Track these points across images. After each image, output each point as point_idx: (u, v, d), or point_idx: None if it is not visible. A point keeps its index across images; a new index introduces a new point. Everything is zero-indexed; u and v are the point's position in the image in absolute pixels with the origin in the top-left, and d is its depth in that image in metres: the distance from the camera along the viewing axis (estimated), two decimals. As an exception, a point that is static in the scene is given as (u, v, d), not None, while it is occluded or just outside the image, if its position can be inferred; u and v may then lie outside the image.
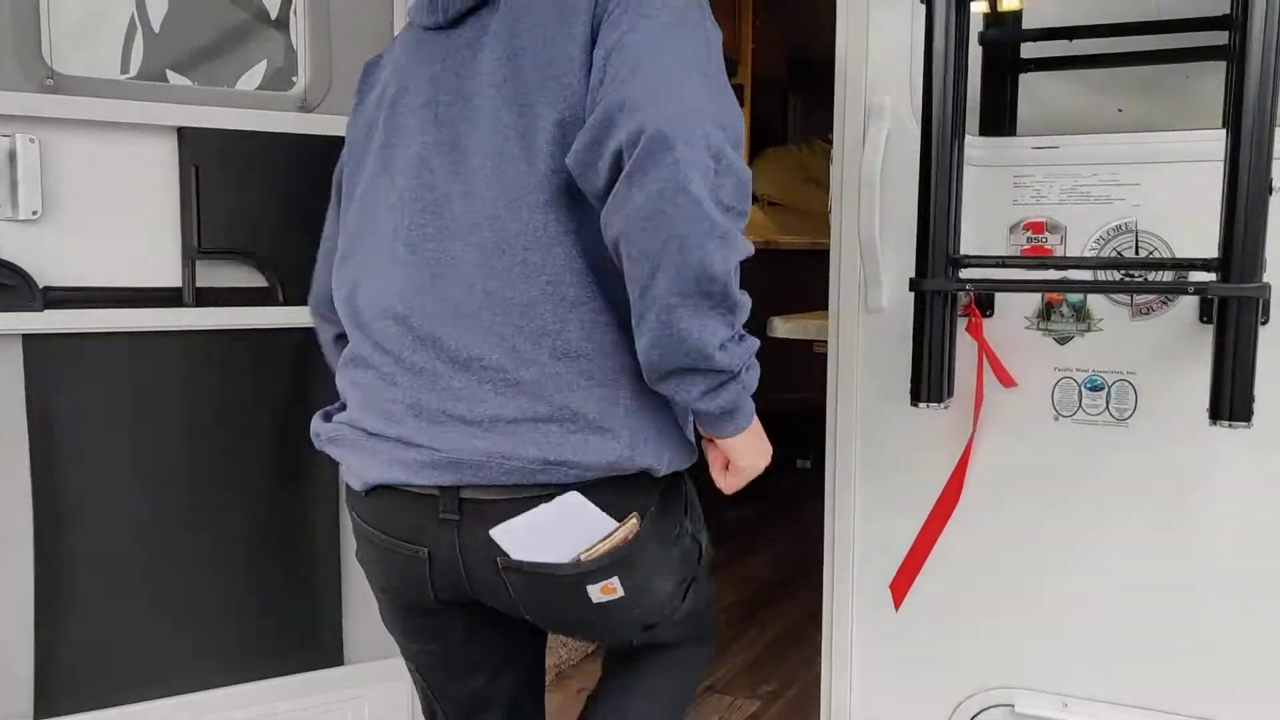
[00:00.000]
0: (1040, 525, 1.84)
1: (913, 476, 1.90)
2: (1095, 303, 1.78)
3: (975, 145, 1.82)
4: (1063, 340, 1.80)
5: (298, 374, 2.11)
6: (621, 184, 1.24)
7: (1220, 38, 1.63)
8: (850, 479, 1.96)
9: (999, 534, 1.87)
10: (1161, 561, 1.77)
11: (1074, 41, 1.83)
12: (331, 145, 1.72)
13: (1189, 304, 1.71)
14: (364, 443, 1.46)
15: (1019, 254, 1.81)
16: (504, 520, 1.37)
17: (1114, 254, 1.75)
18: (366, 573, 1.60)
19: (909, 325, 1.82)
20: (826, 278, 1.99)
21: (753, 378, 1.36)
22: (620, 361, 1.36)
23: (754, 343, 1.34)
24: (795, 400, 4.25)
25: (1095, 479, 1.80)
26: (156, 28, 2.06)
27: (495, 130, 1.38)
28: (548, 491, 1.36)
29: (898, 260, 1.87)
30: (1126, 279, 1.73)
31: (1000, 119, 1.91)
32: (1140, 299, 1.74)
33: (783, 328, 2.36)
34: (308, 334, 1.84)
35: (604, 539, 1.37)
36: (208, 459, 2.07)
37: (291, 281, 2.04)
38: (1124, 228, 1.75)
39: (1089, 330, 1.79)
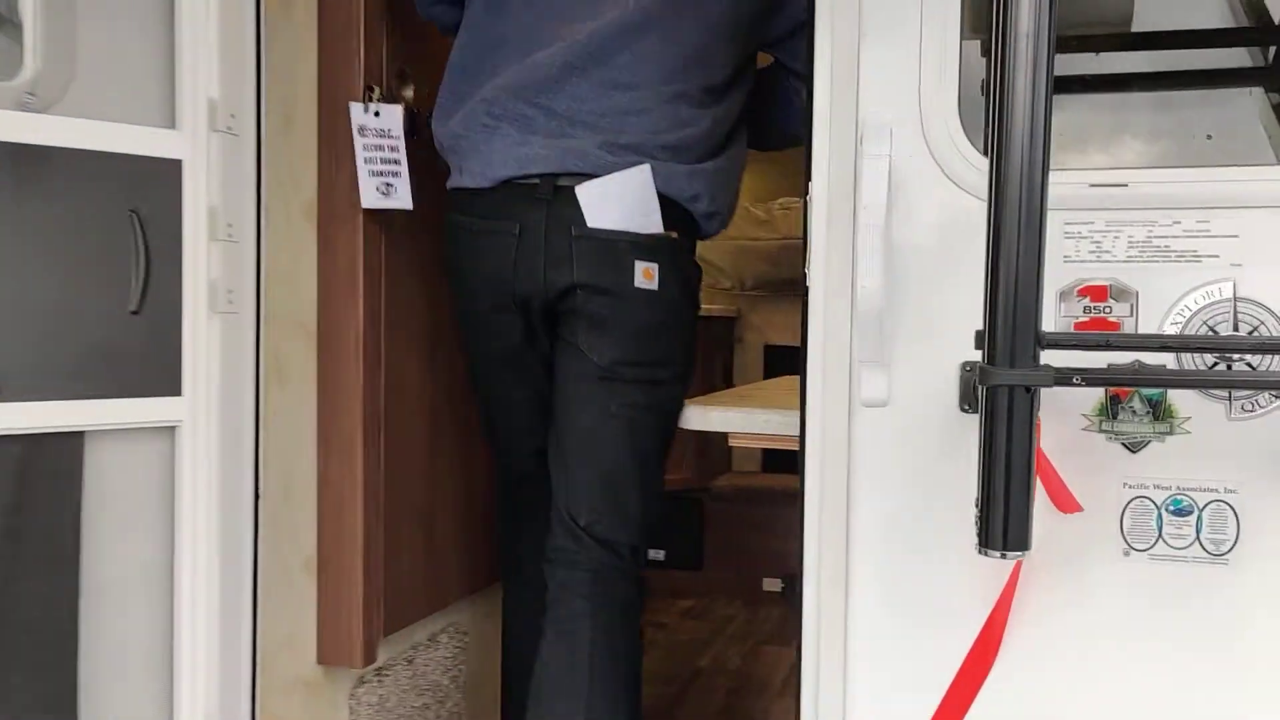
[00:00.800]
0: (1105, 698, 1.35)
1: (932, 637, 1.37)
2: (1179, 396, 1.31)
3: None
4: (1134, 446, 1.32)
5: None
6: None
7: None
8: (838, 641, 1.42)
9: (1047, 710, 1.36)
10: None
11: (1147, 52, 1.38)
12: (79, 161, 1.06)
13: (1302, 397, 1.27)
14: None
15: (1071, 328, 1.33)
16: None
17: (1204, 330, 1.29)
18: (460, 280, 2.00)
19: (926, 425, 1.31)
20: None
21: None
22: None
23: None
24: (676, 480, 3.70)
25: (1182, 637, 1.32)
26: None
27: None
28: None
29: (909, 336, 1.37)
30: (1223, 363, 1.27)
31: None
32: (1242, 392, 1.29)
33: (716, 419, 1.79)
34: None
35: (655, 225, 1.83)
36: None
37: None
38: (1218, 295, 1.29)
39: (1171, 433, 1.32)
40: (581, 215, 1.81)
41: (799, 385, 1.48)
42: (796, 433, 1.49)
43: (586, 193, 1.80)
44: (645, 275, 1.83)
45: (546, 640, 1.87)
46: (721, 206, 1.94)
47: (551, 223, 1.82)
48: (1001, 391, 1.10)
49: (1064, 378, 1.10)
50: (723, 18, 1.87)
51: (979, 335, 1.15)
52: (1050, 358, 1.12)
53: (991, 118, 1.12)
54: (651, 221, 1.82)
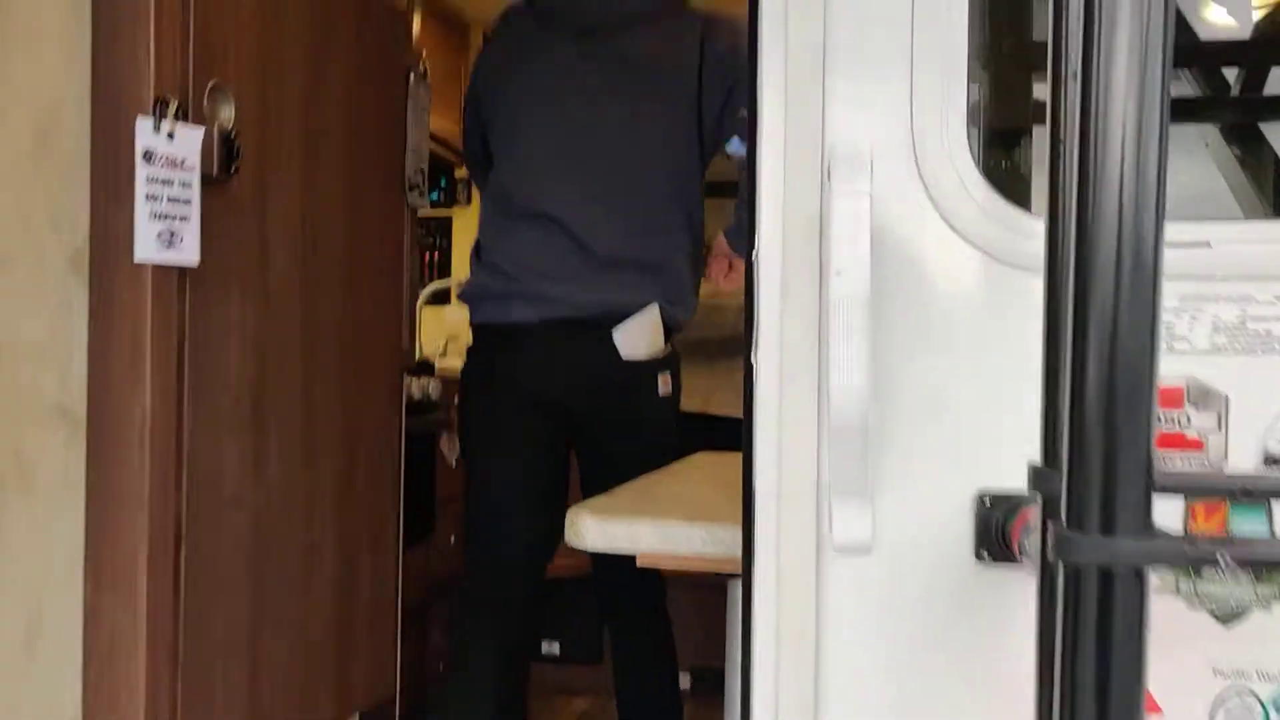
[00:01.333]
0: None
1: None
2: (1288, 546, 0.92)
3: (1018, 229, 0.95)
4: (1228, 618, 0.93)
5: None
6: None
7: None
8: None
9: None
10: None
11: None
12: None
13: None
14: None
15: (1132, 447, 0.94)
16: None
17: (1323, 452, 0.91)
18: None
19: (928, 581, 0.90)
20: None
21: None
22: None
23: None
24: (571, 565, 3.25)
25: None
26: None
27: None
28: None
29: (901, 455, 0.95)
30: (1351, 501, 0.89)
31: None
32: (1380, 541, 0.90)
33: (621, 536, 1.33)
34: None
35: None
36: None
37: None
38: (1341, 402, 0.91)
39: (1277, 596, 0.92)
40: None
41: (741, 504, 1.04)
42: (738, 555, 1.06)
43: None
44: (663, 382, 2.26)
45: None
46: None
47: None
48: (1095, 573, 0.68)
49: (1204, 553, 0.68)
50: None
51: (1035, 472, 0.74)
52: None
53: (1063, 151, 0.71)
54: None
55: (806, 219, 0.99)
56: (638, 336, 2.18)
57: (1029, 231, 0.94)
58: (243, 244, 1.75)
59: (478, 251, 2.36)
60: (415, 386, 3.24)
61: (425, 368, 3.35)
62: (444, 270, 4.71)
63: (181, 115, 1.57)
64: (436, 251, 4.67)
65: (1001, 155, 1.02)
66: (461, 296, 2.41)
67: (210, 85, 1.67)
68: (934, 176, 0.98)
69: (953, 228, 0.97)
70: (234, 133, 1.66)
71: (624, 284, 2.17)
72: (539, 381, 2.21)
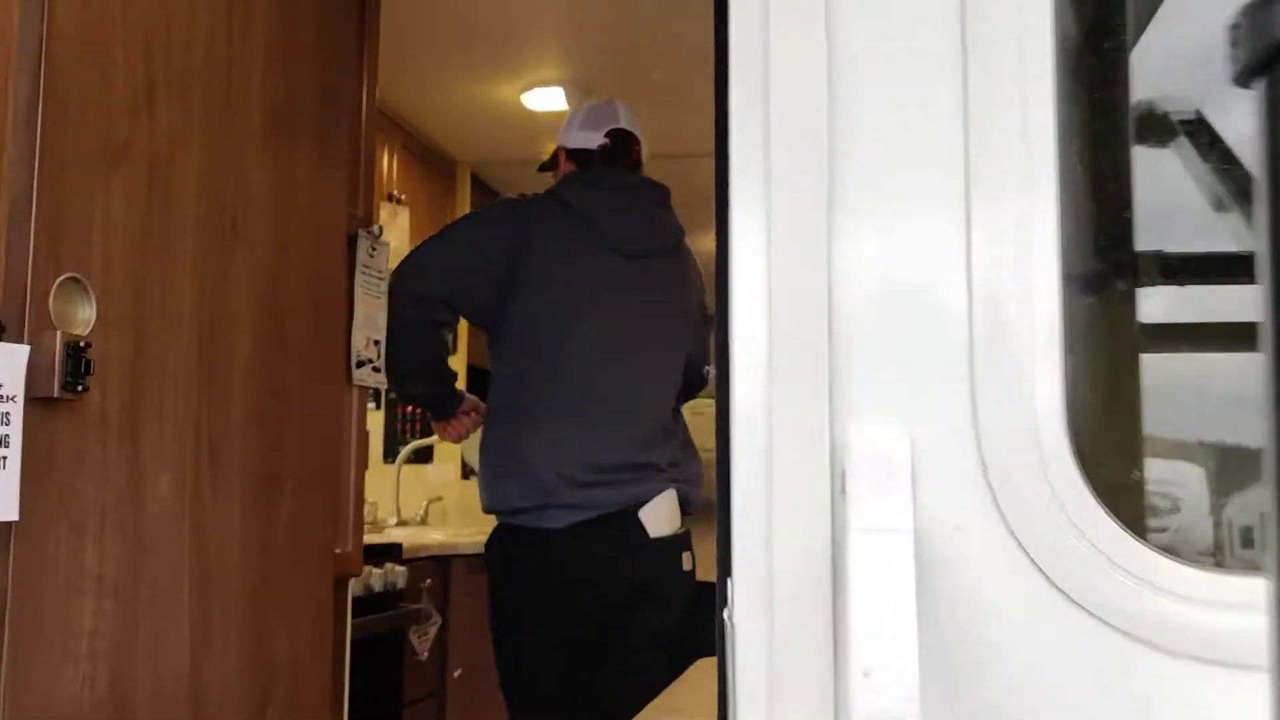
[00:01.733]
0: None
1: None
2: None
3: (1169, 586, 0.57)
4: None
5: None
6: None
7: None
8: None
9: None
10: None
11: None
12: None
13: None
14: None
15: None
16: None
17: None
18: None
19: None
20: None
21: None
22: None
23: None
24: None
25: None
26: None
27: None
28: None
29: None
30: None
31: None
32: None
33: None
34: None
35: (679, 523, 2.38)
36: None
37: None
38: None
39: None
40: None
41: None
42: None
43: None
44: (686, 559, 2.39)
45: None
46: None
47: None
48: None
49: None
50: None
51: None
52: None
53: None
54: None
55: (806, 557, 0.62)
56: (661, 514, 2.32)
57: (1193, 592, 0.56)
58: (102, 476, 1.38)
59: (500, 445, 2.32)
60: (376, 577, 2.85)
61: (387, 552, 2.96)
62: (426, 423, 4.32)
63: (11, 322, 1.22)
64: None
65: (1129, 464, 0.65)
66: (492, 502, 2.36)
67: (58, 282, 1.32)
68: (1013, 491, 0.61)
69: (1051, 581, 0.59)
70: (83, 342, 1.31)
71: (645, 480, 2.31)
72: (574, 579, 2.29)
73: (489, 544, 2.42)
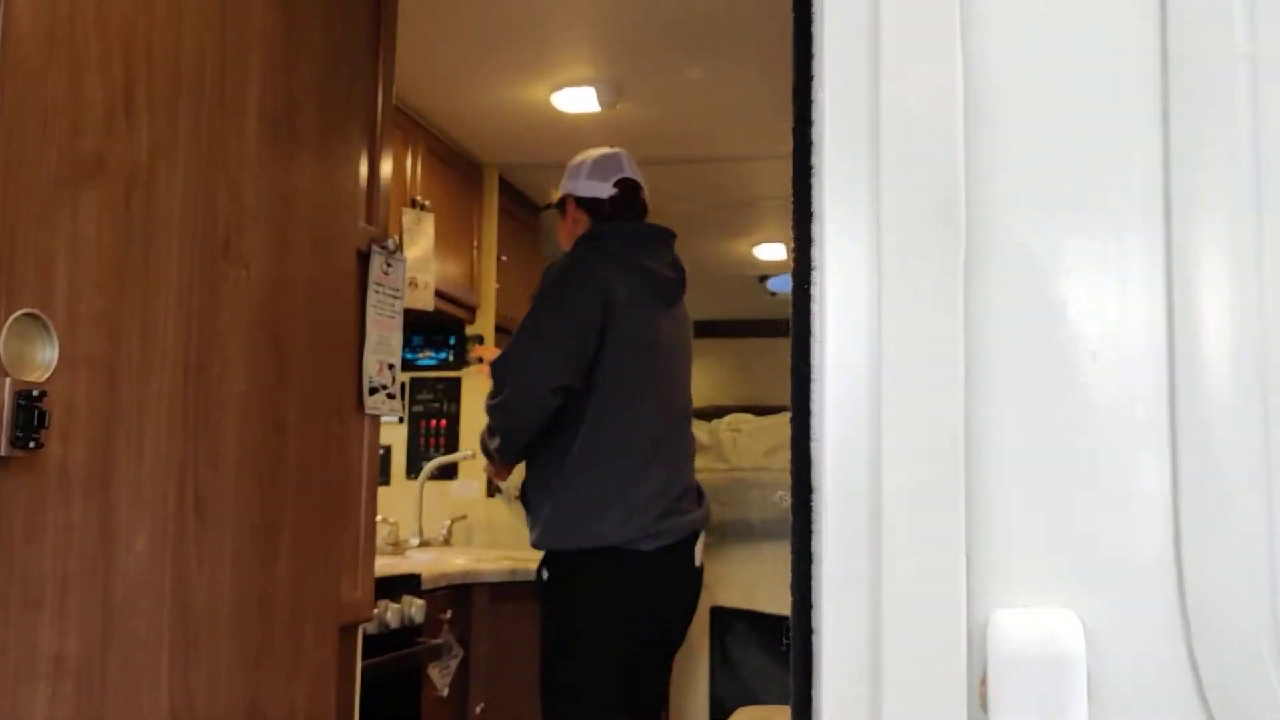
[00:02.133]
0: None
1: None
2: None
3: None
4: None
5: None
6: None
7: None
8: None
9: None
10: None
11: None
12: None
13: None
14: None
15: None
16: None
17: None
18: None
19: None
20: None
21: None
22: None
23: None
24: None
25: None
26: None
27: None
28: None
29: None
30: None
31: None
32: None
33: None
34: None
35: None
36: None
37: None
38: None
39: None
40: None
41: None
42: None
43: None
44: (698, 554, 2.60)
45: None
46: None
47: None
48: None
49: None
50: None
51: None
52: None
53: None
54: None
55: None
56: (699, 545, 2.55)
57: None
58: (63, 541, 1.20)
59: (589, 483, 2.43)
60: (393, 612, 2.67)
61: (405, 583, 2.78)
62: (451, 437, 4.16)
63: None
64: (444, 419, 4.13)
65: None
66: (570, 538, 2.44)
67: (11, 320, 1.14)
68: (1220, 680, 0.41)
69: None
70: (37, 391, 1.13)
71: (697, 508, 2.54)
72: (658, 596, 2.49)
73: (552, 567, 2.44)
